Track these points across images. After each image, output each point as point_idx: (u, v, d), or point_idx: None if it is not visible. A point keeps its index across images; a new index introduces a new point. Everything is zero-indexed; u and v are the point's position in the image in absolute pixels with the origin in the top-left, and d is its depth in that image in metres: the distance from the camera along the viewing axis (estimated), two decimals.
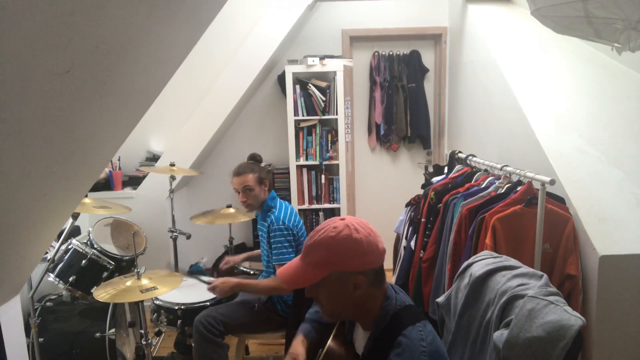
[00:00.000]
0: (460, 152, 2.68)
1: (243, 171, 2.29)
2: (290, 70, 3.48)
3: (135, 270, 1.99)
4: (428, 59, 3.98)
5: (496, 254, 1.60)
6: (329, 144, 3.66)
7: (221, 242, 3.53)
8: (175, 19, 1.29)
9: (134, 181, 3.52)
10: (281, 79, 3.74)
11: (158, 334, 2.43)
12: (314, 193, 3.70)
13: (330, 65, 3.50)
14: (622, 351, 1.80)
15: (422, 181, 2.83)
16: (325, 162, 3.64)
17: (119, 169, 3.44)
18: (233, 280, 2.18)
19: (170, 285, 1.97)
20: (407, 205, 2.68)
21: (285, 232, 2.21)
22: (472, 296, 1.51)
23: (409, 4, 3.86)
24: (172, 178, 3.14)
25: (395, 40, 3.93)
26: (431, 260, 2.22)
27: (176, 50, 1.51)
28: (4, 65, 0.78)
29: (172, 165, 2.96)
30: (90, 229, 2.43)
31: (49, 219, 1.47)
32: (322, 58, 3.49)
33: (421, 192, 2.60)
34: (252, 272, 2.67)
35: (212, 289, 2.16)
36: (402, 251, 2.61)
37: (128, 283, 1.95)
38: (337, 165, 3.66)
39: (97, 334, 2.26)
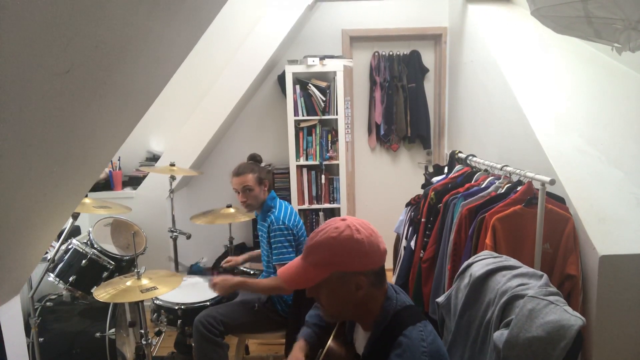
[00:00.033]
0: (460, 152, 2.68)
1: (243, 171, 2.29)
2: (290, 70, 3.48)
3: (135, 270, 2.00)
4: (428, 59, 3.98)
5: (496, 254, 1.60)
6: (329, 144, 3.66)
7: (221, 242, 3.53)
8: (175, 19, 1.29)
9: (134, 181, 3.52)
10: (281, 79, 3.75)
11: (158, 333, 2.43)
12: (314, 193, 3.70)
13: (330, 66, 3.51)
14: (622, 351, 1.80)
15: (422, 181, 2.83)
16: (325, 162, 3.64)
17: (119, 169, 3.44)
18: (234, 278, 2.18)
19: (170, 285, 1.97)
20: (407, 205, 2.68)
21: (286, 232, 2.21)
22: (472, 296, 1.51)
23: (409, 4, 3.86)
24: (172, 178, 3.14)
25: (395, 40, 3.93)
26: (431, 260, 2.22)
27: (176, 50, 1.51)
28: (4, 65, 0.78)
29: (172, 165, 2.96)
30: (90, 229, 2.43)
31: (49, 219, 1.47)
32: (322, 58, 3.49)
33: (421, 192, 2.60)
34: (252, 272, 2.67)
35: (212, 286, 2.15)
36: (402, 251, 2.61)
37: (128, 283, 1.95)
38: (337, 165, 3.66)
39: (97, 334, 2.26)
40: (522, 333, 1.23)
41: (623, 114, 2.32)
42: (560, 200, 1.94)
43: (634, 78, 2.49)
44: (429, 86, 4.02)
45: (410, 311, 1.16)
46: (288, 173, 3.66)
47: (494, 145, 2.81)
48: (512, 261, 1.52)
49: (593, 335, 1.79)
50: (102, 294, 1.87)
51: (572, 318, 1.19)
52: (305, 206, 3.69)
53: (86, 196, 2.38)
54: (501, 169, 2.12)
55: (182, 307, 2.29)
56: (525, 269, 1.45)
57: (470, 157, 2.52)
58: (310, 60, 3.46)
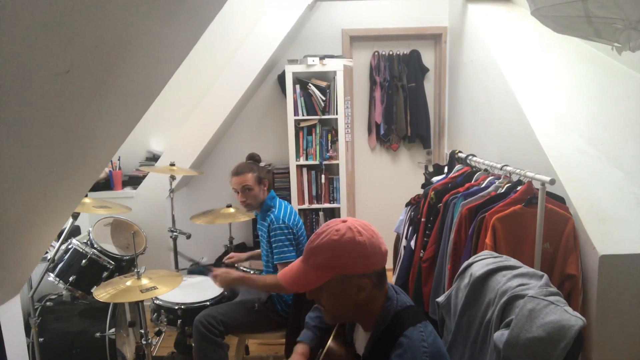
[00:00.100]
0: (460, 151, 2.68)
1: (242, 171, 2.29)
2: (290, 70, 3.48)
3: (135, 270, 1.99)
4: (428, 58, 3.98)
5: (496, 254, 1.60)
6: (329, 144, 3.66)
7: (221, 242, 3.52)
8: (175, 19, 1.29)
9: (134, 181, 3.52)
10: (281, 78, 3.74)
11: (158, 333, 2.43)
12: (314, 193, 3.70)
13: (330, 65, 3.50)
14: (622, 351, 1.80)
15: (422, 181, 2.83)
16: (325, 162, 3.63)
17: (119, 168, 3.44)
18: (236, 272, 2.18)
19: (170, 285, 1.97)
20: (407, 205, 2.68)
21: (286, 231, 2.21)
22: (472, 296, 1.50)
23: (409, 4, 3.86)
24: (172, 178, 3.14)
25: (395, 40, 3.93)
26: (431, 260, 2.22)
27: (176, 50, 1.51)
28: (4, 65, 0.78)
29: (172, 165, 2.96)
30: (90, 229, 2.43)
31: (49, 219, 1.47)
32: (322, 58, 3.49)
33: (421, 191, 2.60)
34: (252, 272, 2.67)
35: (214, 278, 2.15)
36: (402, 251, 2.61)
37: (128, 283, 1.95)
38: (337, 165, 3.65)
39: (97, 334, 2.26)
40: (522, 333, 1.23)
41: (623, 114, 2.32)
42: (560, 200, 1.94)
43: (634, 78, 2.49)
44: (429, 86, 4.02)
45: (411, 312, 1.16)
46: (288, 173, 3.66)
47: (494, 145, 2.81)
48: (512, 261, 1.52)
49: (593, 335, 1.79)
50: (102, 293, 1.87)
51: (573, 318, 1.19)
52: (305, 206, 3.69)
53: (86, 196, 2.38)
54: (501, 169, 2.12)
55: (182, 307, 2.29)
56: (525, 269, 1.45)
57: (470, 157, 2.52)
58: (310, 60, 3.46)
